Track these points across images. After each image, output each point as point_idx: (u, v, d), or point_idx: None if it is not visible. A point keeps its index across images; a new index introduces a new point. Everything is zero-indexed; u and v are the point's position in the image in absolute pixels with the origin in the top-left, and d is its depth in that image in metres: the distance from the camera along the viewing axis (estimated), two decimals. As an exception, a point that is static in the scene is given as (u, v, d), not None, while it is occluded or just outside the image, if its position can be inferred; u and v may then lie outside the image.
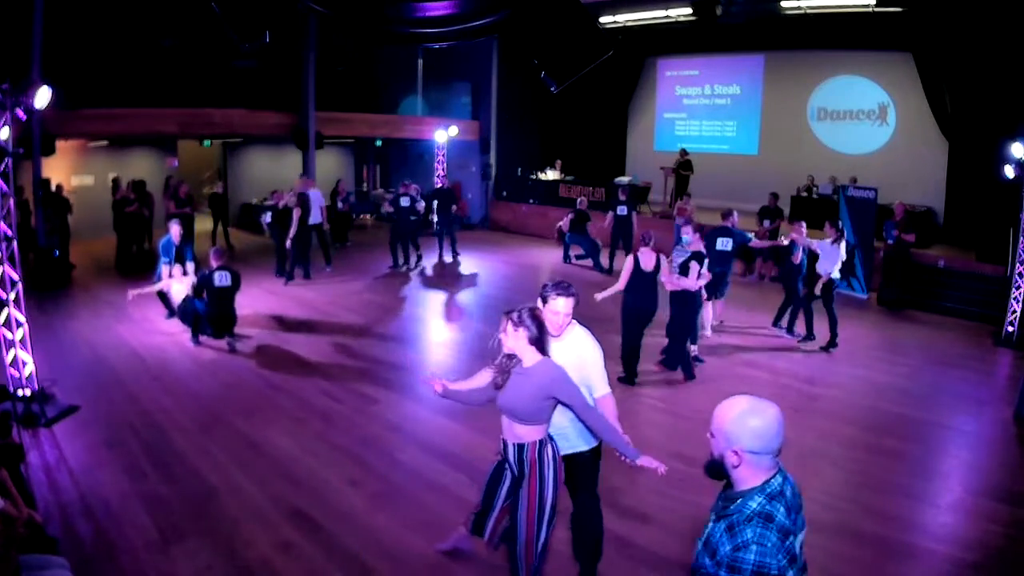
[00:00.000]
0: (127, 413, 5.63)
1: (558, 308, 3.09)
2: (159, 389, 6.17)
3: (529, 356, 2.95)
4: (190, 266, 7.97)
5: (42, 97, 5.21)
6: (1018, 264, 8.25)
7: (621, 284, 6.36)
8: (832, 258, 7.69)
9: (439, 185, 12.83)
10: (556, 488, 3.06)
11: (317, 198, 11.02)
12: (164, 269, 7.85)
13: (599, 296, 6.37)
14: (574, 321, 3.25)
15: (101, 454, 4.93)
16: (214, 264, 7.30)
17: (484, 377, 3.28)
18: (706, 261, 6.55)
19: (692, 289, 6.45)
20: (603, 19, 14.67)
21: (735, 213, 8.18)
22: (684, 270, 6.49)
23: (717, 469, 1.88)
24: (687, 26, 14.51)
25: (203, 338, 7.45)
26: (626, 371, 6.48)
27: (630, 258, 6.37)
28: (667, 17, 14.45)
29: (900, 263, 9.88)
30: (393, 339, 7.96)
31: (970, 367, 7.49)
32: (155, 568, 3.66)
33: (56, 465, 4.73)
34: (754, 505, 1.77)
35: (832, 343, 7.75)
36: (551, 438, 3.09)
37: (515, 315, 2.92)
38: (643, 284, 6.29)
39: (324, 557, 3.78)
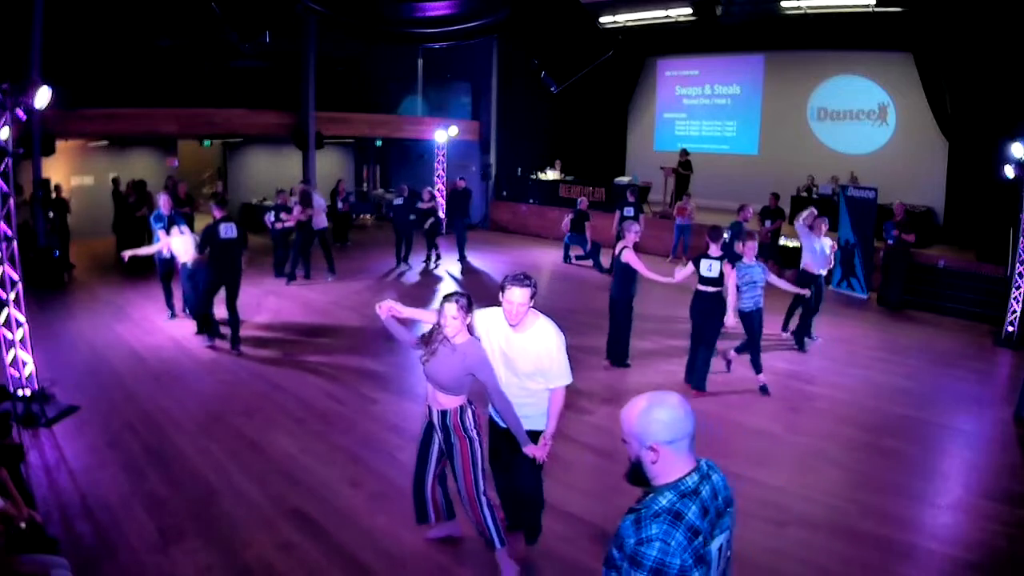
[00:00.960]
0: (127, 413, 5.62)
1: (513, 298, 3.22)
2: (159, 389, 6.17)
3: (462, 335, 3.26)
4: (184, 228, 7.67)
5: (42, 97, 5.21)
6: (1018, 264, 8.25)
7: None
8: (810, 247, 7.57)
9: (457, 186, 12.84)
10: (483, 444, 3.47)
11: (319, 203, 10.88)
12: (161, 234, 7.68)
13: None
14: (538, 313, 3.38)
15: (101, 454, 4.92)
16: (217, 215, 6.86)
17: (433, 315, 3.47)
18: (713, 264, 6.15)
19: (662, 281, 6.41)
20: (603, 19, 14.67)
21: (749, 208, 8.14)
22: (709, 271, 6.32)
23: (638, 473, 1.85)
24: (687, 26, 14.51)
25: (204, 338, 7.43)
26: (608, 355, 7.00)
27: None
28: (667, 17, 14.45)
29: (900, 263, 9.88)
30: (393, 339, 7.95)
31: (970, 367, 7.48)
32: (155, 568, 3.65)
33: (56, 465, 4.73)
34: (664, 501, 1.74)
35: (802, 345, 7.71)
36: (470, 403, 3.42)
37: (459, 300, 3.23)
38: (614, 273, 6.79)
39: (324, 557, 3.78)
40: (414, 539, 3.94)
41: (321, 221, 10.71)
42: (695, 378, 6.34)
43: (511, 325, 3.31)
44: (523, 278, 3.24)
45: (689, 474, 1.79)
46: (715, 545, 1.78)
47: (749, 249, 6.33)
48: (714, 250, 6.16)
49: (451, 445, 3.42)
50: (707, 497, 1.79)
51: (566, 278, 11.42)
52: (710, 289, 6.16)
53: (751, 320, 6.36)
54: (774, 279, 6.54)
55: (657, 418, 1.79)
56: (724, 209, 14.49)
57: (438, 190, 15.29)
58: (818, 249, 7.65)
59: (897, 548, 4.00)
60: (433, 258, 12.20)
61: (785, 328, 8.15)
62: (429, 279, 11.28)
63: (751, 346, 6.42)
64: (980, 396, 6.63)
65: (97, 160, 13.92)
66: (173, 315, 8.22)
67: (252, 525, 4.06)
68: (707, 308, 6.22)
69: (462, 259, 12.31)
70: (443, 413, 3.38)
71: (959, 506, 4.55)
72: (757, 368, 6.39)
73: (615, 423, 5.61)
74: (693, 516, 1.72)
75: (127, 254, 7.50)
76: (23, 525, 3.08)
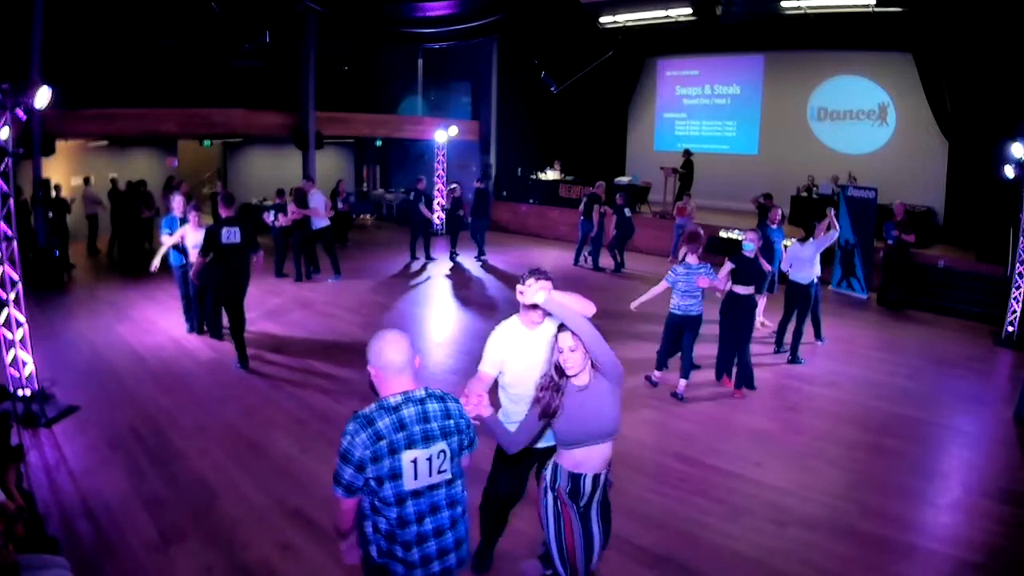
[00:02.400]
0: (127, 413, 5.62)
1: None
2: (159, 389, 6.17)
3: (587, 368, 2.66)
4: (198, 220, 7.34)
5: (42, 97, 5.21)
6: (1018, 264, 8.25)
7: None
8: (801, 261, 7.25)
9: (475, 187, 12.90)
10: None
11: (320, 200, 10.71)
12: (165, 237, 7.36)
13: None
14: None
15: (101, 454, 4.92)
16: (223, 214, 6.36)
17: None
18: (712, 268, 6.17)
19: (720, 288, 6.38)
20: (603, 19, 14.67)
21: (778, 210, 8.13)
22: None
23: (372, 387, 2.40)
24: (687, 26, 14.52)
25: (203, 338, 7.42)
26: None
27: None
28: (667, 17, 14.46)
29: (900, 263, 9.88)
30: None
31: (970, 367, 7.48)
32: (155, 568, 3.66)
33: (56, 465, 4.73)
34: (367, 410, 2.31)
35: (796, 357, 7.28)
36: None
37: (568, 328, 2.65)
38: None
39: (324, 557, 3.78)
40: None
41: (320, 220, 10.63)
42: (738, 378, 6.31)
43: (534, 324, 3.23)
44: (541, 272, 3.05)
45: (396, 395, 2.33)
46: (407, 457, 2.27)
47: (690, 251, 6.04)
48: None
49: (607, 505, 2.87)
50: (409, 417, 2.30)
51: (572, 281, 11.40)
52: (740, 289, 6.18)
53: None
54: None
55: (374, 347, 2.35)
56: (724, 209, 14.51)
57: (438, 190, 15.29)
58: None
59: (897, 548, 4.00)
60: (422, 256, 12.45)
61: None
62: (427, 281, 11.26)
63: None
64: (980, 396, 6.63)
65: (97, 160, 13.91)
66: (191, 328, 7.77)
67: (252, 525, 4.06)
68: (725, 308, 6.31)
69: (480, 256, 12.47)
70: (608, 469, 2.78)
71: (959, 506, 4.55)
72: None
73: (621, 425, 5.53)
74: (383, 426, 2.26)
75: (155, 266, 7.28)
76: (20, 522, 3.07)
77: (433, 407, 2.35)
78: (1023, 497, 4.66)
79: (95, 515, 4.12)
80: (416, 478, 2.28)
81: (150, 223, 12.36)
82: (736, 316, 6.20)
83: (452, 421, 2.38)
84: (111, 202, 12.27)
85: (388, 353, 2.31)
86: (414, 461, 2.28)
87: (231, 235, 6.37)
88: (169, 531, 3.97)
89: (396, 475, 2.27)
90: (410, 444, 2.28)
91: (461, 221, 12.47)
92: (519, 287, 2.87)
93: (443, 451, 2.33)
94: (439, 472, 2.33)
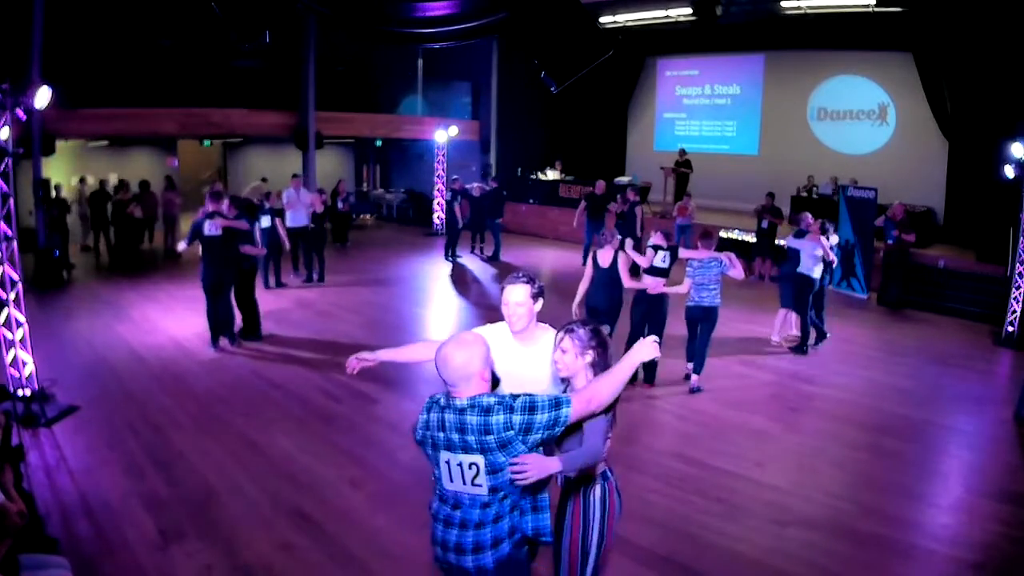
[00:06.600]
0: (127, 413, 5.62)
1: (508, 298, 2.82)
2: (159, 389, 6.16)
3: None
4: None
5: (42, 97, 5.21)
6: (1018, 264, 8.25)
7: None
8: (807, 255, 7.39)
9: (490, 186, 12.97)
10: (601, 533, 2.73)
11: (303, 198, 10.31)
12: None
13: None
14: (546, 325, 2.92)
15: (101, 454, 4.92)
16: (209, 207, 6.66)
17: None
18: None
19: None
20: (603, 19, 14.67)
21: (808, 215, 8.07)
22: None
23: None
24: (687, 26, 14.52)
25: (203, 338, 7.41)
26: None
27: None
28: (667, 17, 14.46)
29: (900, 263, 9.88)
30: (393, 339, 7.96)
31: (970, 367, 7.48)
32: (155, 568, 3.65)
33: (56, 465, 4.73)
34: (435, 395, 2.43)
35: (802, 348, 7.53)
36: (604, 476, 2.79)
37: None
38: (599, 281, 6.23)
39: (324, 557, 3.78)
40: (414, 539, 3.94)
41: (298, 218, 10.28)
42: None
43: (514, 333, 2.84)
44: (520, 275, 2.86)
45: (435, 394, 2.42)
46: (442, 458, 2.30)
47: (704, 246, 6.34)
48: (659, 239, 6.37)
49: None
50: (433, 419, 2.33)
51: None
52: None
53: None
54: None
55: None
56: (724, 209, 14.51)
57: (438, 190, 15.30)
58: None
59: (897, 548, 4.00)
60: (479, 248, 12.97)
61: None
62: (426, 281, 11.26)
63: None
64: (980, 396, 6.63)
65: (97, 160, 13.91)
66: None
67: (252, 525, 4.06)
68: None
69: (495, 251, 12.55)
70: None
71: (959, 506, 4.55)
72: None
73: (621, 425, 5.58)
74: (423, 418, 2.37)
75: (181, 246, 7.15)
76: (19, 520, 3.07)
77: (450, 417, 2.27)
78: (1023, 497, 4.66)
79: (95, 515, 4.12)
80: (451, 481, 2.31)
81: (149, 223, 12.35)
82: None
83: (492, 437, 2.21)
84: (87, 203, 12.08)
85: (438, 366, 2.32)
86: (447, 462, 2.31)
87: (213, 228, 6.72)
88: (169, 531, 3.97)
89: (436, 467, 2.36)
90: (448, 446, 2.29)
91: (482, 220, 12.84)
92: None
93: (475, 464, 2.25)
94: (474, 485, 2.28)
